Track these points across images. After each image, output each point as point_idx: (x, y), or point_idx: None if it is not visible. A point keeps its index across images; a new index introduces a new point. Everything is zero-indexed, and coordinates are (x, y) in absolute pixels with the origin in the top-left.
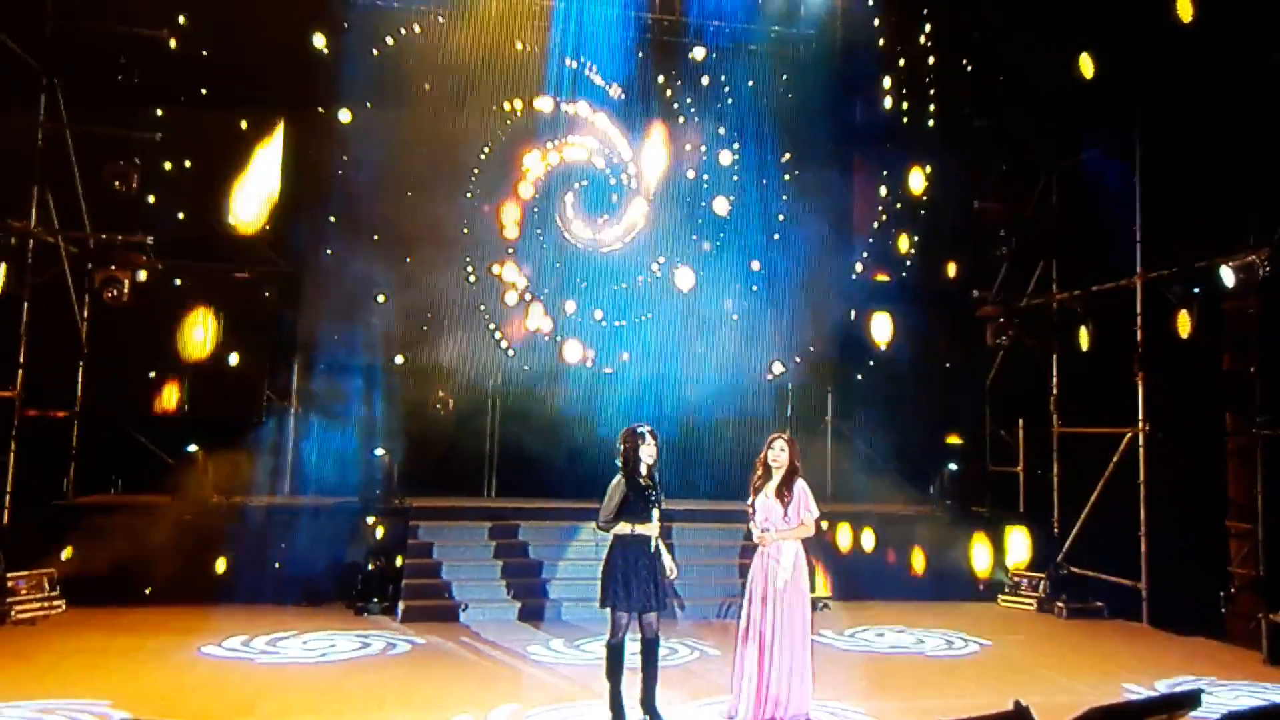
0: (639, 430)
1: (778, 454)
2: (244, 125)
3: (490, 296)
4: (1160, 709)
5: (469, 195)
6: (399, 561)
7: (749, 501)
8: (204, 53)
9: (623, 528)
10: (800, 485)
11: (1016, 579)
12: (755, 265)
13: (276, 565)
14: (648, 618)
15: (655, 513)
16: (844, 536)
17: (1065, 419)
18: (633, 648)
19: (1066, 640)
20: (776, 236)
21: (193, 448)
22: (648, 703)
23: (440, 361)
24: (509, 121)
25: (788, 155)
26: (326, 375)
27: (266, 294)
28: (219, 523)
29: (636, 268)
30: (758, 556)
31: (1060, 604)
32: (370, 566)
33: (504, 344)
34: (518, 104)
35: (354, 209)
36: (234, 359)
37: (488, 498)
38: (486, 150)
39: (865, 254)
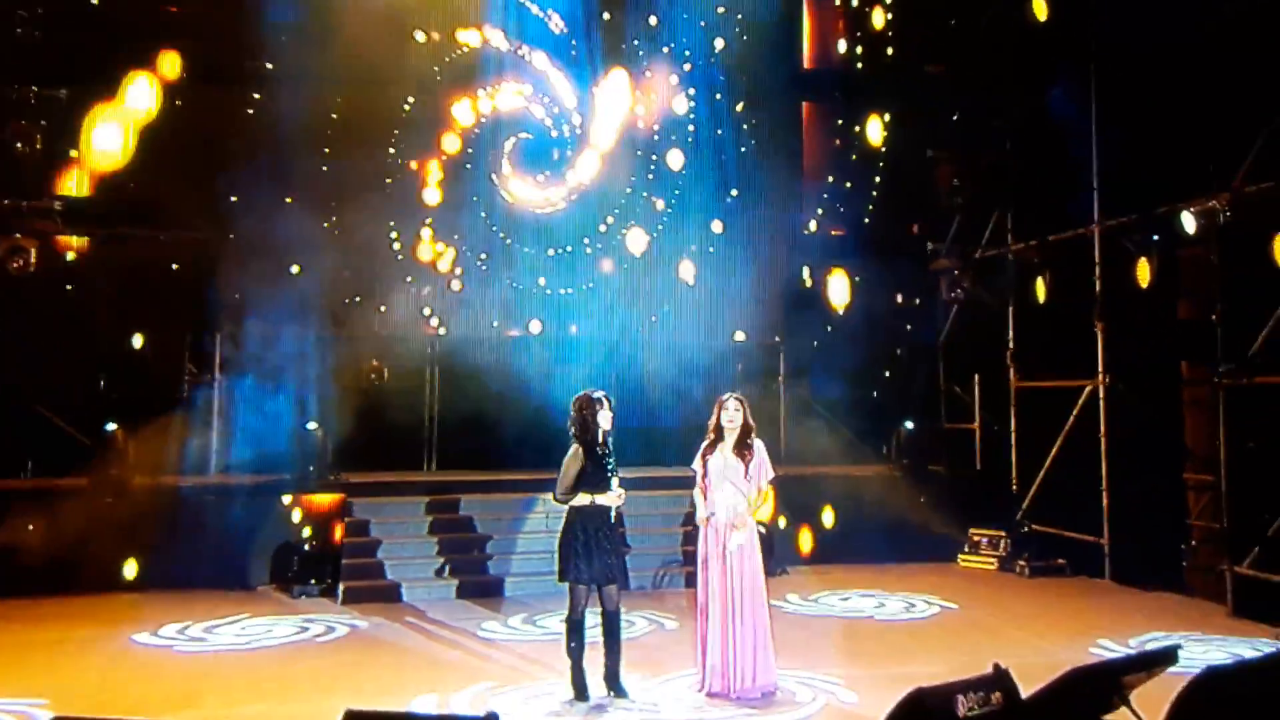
0: (594, 396)
1: (732, 414)
2: (149, 79)
3: (418, 263)
4: (1139, 666)
5: (392, 151)
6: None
7: (698, 466)
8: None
9: (582, 499)
10: (759, 443)
11: (976, 538)
12: (717, 226)
13: (206, 548)
14: (608, 590)
15: (615, 481)
16: (806, 540)
17: (1022, 373)
18: (591, 621)
19: (1031, 599)
20: (735, 193)
21: (111, 426)
22: (612, 678)
23: (372, 330)
24: (436, 67)
25: (741, 105)
26: (251, 346)
27: (174, 266)
28: (143, 505)
29: (583, 229)
30: (709, 524)
31: (1022, 563)
32: (306, 547)
33: (434, 320)
34: (447, 43)
35: (274, 169)
36: (151, 331)
37: (427, 471)
38: (410, 102)
39: (820, 210)
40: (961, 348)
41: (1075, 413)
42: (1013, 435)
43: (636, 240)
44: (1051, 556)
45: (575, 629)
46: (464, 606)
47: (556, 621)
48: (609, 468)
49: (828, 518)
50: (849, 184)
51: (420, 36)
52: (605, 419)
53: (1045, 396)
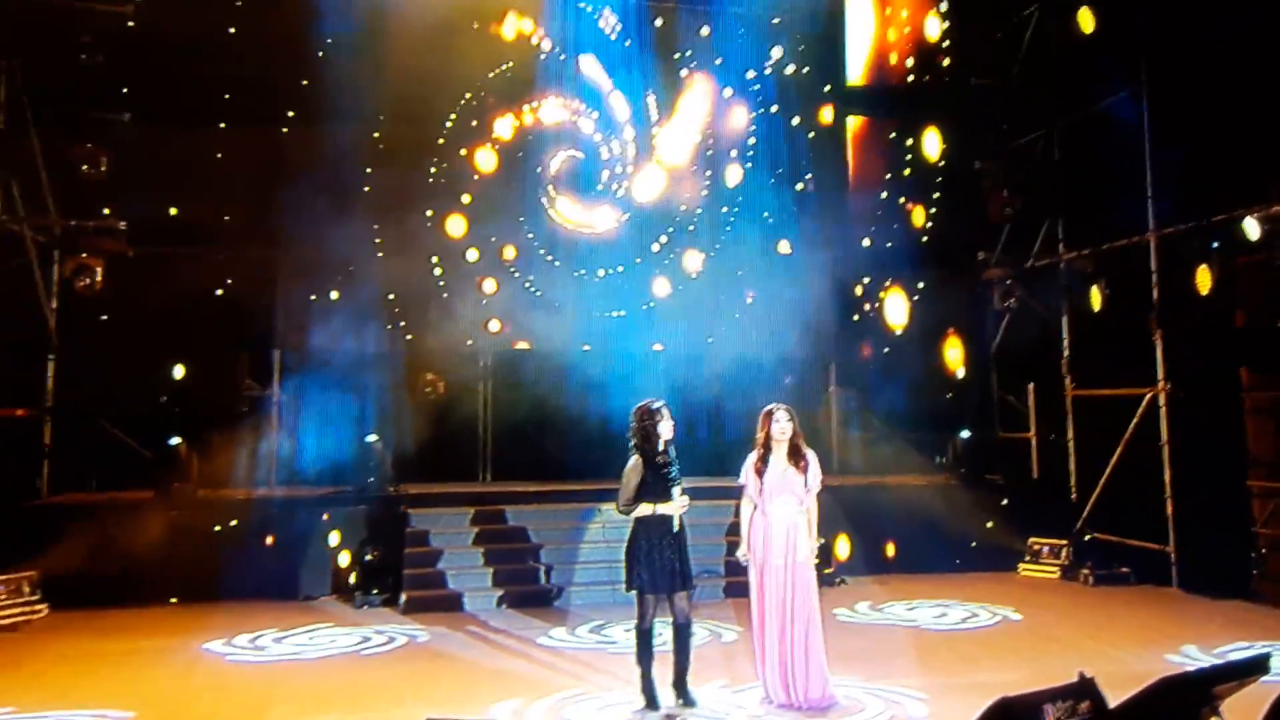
0: (654, 406)
1: (784, 426)
2: (210, 98)
3: (468, 282)
4: (1230, 676)
5: (433, 171)
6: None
7: (749, 480)
8: (165, 24)
9: (644, 509)
10: (811, 452)
11: (1036, 547)
12: (785, 247)
13: (269, 559)
14: (678, 601)
15: (676, 490)
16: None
17: (1078, 382)
18: (657, 630)
19: (1098, 609)
20: (795, 209)
21: (175, 441)
22: (680, 685)
23: (427, 343)
24: (479, 83)
25: (797, 119)
26: (310, 360)
27: (225, 285)
28: (207, 517)
29: (637, 248)
30: (765, 531)
31: (1086, 571)
32: (368, 557)
33: (471, 344)
34: (495, 52)
35: (325, 189)
36: (211, 346)
37: (483, 482)
38: (452, 120)
39: (871, 224)
40: (1015, 357)
41: (1135, 420)
42: (1070, 444)
43: (692, 258)
44: (1114, 565)
45: (644, 638)
46: (525, 616)
47: (619, 631)
48: (670, 477)
49: (886, 527)
50: (902, 197)
51: (469, 43)
52: (666, 428)
53: (1102, 405)
